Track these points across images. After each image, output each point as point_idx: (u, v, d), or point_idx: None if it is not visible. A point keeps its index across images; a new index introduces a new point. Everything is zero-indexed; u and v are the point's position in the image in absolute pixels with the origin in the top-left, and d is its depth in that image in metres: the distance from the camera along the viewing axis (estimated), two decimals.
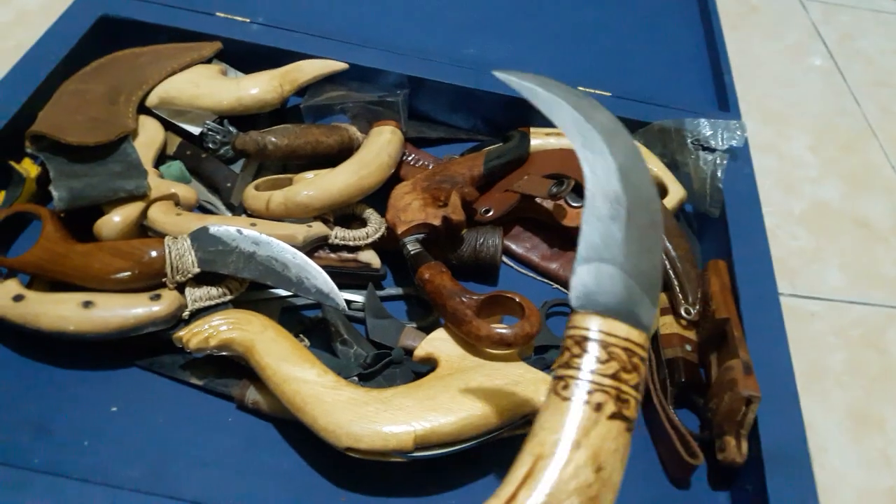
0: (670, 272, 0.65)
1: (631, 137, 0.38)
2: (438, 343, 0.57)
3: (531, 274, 0.71)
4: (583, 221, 0.35)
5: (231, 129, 0.70)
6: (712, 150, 0.75)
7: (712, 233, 0.73)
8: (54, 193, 0.57)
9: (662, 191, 0.74)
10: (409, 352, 0.59)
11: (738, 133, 0.76)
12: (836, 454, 0.66)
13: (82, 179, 0.59)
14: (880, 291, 0.81)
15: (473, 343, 0.55)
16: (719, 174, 0.73)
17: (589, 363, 0.35)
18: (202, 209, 0.68)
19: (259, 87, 0.71)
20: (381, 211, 0.67)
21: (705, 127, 0.76)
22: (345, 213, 0.67)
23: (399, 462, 0.50)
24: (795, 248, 0.85)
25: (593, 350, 0.35)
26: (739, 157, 0.77)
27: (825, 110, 1.07)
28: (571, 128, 0.37)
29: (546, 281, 0.71)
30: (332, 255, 0.64)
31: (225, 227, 0.58)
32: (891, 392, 0.71)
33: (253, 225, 0.60)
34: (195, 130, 0.70)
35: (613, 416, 0.34)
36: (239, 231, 0.58)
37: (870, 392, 0.70)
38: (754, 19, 1.23)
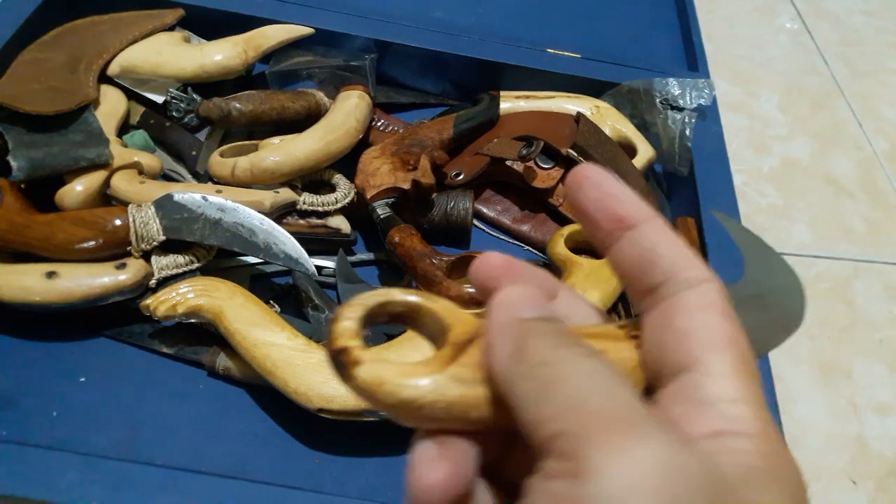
0: None
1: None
2: None
3: (503, 236, 0.71)
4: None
5: (195, 96, 0.69)
6: (681, 110, 0.75)
7: (681, 191, 0.74)
8: (13, 164, 0.56)
9: (632, 151, 0.74)
10: None
11: (707, 91, 0.76)
12: (804, 403, 0.67)
13: (42, 149, 0.58)
14: (847, 245, 0.82)
15: None
16: (688, 133, 0.73)
17: None
18: (167, 178, 0.67)
19: (222, 54, 0.69)
20: (350, 176, 0.66)
21: (674, 86, 0.76)
22: (313, 179, 0.67)
23: (372, 421, 0.50)
24: (764, 205, 0.86)
25: None
26: (708, 116, 0.77)
27: (794, 70, 1.07)
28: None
29: (517, 243, 0.71)
30: (302, 222, 0.64)
31: (190, 194, 0.57)
32: (857, 342, 0.72)
33: (218, 192, 0.59)
34: (158, 99, 0.69)
35: None
36: (204, 198, 0.57)
37: (837, 343, 0.72)
38: None
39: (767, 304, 0.28)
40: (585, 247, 0.65)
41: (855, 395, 0.68)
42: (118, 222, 0.55)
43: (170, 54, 0.69)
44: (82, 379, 0.54)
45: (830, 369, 0.69)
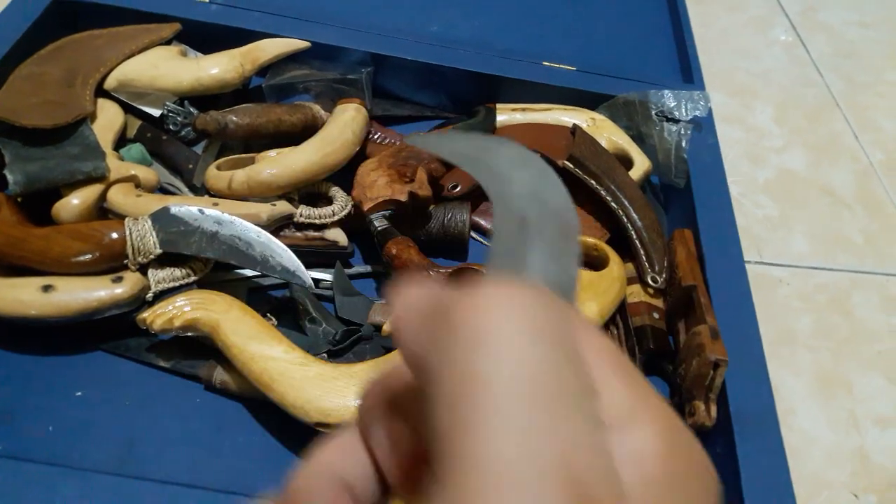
0: (636, 242, 0.66)
1: (541, 162, 0.32)
2: None
3: None
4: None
5: (192, 109, 0.69)
6: (676, 121, 0.75)
7: (678, 203, 0.74)
8: (9, 177, 0.56)
9: (628, 163, 0.74)
10: (378, 327, 0.59)
11: (702, 103, 0.76)
12: (804, 416, 0.66)
13: (38, 162, 0.58)
14: (845, 256, 0.82)
15: None
16: (684, 144, 0.73)
17: None
18: (164, 191, 0.67)
19: (219, 67, 0.69)
20: (347, 189, 0.66)
21: (669, 98, 0.76)
22: (310, 192, 0.67)
23: None
24: (761, 217, 0.86)
25: None
26: (704, 127, 0.77)
27: (789, 81, 1.08)
28: (476, 169, 0.32)
29: None
30: (299, 234, 0.64)
31: (186, 207, 0.57)
32: (857, 354, 0.72)
33: (215, 205, 0.59)
34: (155, 112, 0.69)
35: None
36: (201, 211, 0.57)
37: (836, 355, 0.72)
38: None
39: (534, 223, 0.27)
40: (583, 259, 0.65)
41: (855, 407, 0.67)
42: (115, 235, 0.55)
43: (167, 68, 0.69)
44: (78, 393, 0.54)
45: (830, 382, 0.69)
